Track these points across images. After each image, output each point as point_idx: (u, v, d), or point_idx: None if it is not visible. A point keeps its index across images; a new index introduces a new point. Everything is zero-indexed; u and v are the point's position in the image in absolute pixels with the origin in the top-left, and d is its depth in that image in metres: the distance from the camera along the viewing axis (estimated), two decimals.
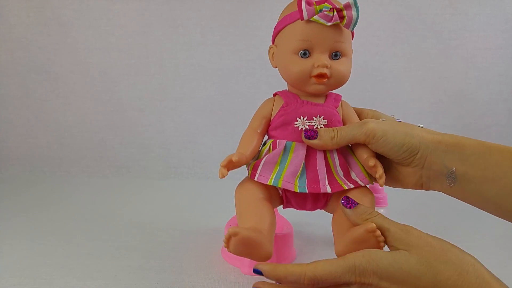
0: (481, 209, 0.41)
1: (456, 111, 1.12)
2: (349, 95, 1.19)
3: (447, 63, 1.09)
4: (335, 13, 0.42)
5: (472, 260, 0.34)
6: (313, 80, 0.44)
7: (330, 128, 0.44)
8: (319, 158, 0.45)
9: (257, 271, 0.38)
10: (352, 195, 0.44)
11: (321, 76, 0.44)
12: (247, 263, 0.55)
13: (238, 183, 0.48)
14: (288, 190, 0.45)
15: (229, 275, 0.55)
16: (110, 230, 0.72)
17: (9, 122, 1.11)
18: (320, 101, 0.47)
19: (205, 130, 1.11)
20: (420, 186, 0.44)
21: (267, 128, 0.48)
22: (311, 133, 0.43)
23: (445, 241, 0.36)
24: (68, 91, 1.10)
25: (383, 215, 0.38)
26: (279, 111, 0.46)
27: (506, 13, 1.07)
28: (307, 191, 0.43)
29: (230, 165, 0.43)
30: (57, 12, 1.06)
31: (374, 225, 0.36)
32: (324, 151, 0.45)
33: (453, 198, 0.43)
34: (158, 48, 1.09)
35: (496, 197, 0.38)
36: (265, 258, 0.40)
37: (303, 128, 0.45)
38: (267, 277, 0.38)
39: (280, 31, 0.47)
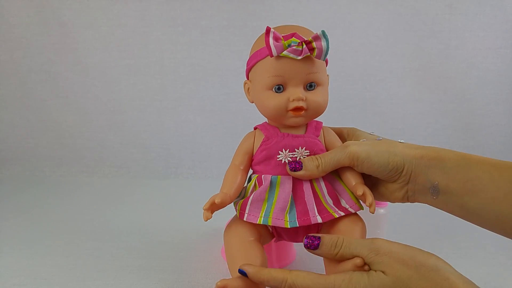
0: (466, 220, 0.42)
1: (456, 111, 1.12)
2: (349, 95, 1.20)
3: (447, 63, 1.09)
4: (304, 46, 0.42)
5: (446, 273, 0.33)
6: (290, 113, 0.44)
7: (313, 157, 0.44)
8: (306, 188, 0.44)
9: (242, 272, 0.39)
10: (343, 224, 0.44)
11: (297, 109, 0.43)
12: None
13: (225, 224, 0.48)
14: (280, 231, 0.46)
15: (229, 275, 0.55)
16: (110, 230, 0.72)
17: (9, 122, 1.11)
18: (301, 132, 0.47)
19: (205, 130, 1.11)
20: (406, 199, 0.45)
21: (250, 163, 0.48)
22: (296, 165, 0.43)
23: (419, 251, 0.35)
24: (68, 91, 1.10)
25: (349, 241, 0.37)
26: (261, 145, 0.46)
27: (506, 13, 1.07)
28: (298, 225, 0.42)
29: (214, 207, 0.42)
30: (57, 12, 1.06)
31: (361, 260, 0.36)
32: (311, 181, 0.45)
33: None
34: (158, 48, 1.09)
35: (476, 209, 0.39)
36: None
37: (287, 161, 0.44)
38: (250, 278, 0.38)
39: (252, 67, 0.47)
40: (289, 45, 0.41)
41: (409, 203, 0.46)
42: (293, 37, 0.42)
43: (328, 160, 0.43)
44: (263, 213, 0.43)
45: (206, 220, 0.41)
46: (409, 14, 1.08)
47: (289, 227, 0.42)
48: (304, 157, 0.45)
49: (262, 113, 0.47)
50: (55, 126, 1.11)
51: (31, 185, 1.01)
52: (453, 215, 0.43)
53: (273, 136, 0.46)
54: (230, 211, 0.67)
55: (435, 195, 0.42)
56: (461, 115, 1.12)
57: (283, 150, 0.45)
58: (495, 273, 0.56)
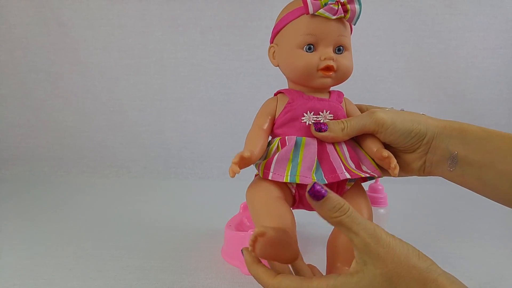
0: (479, 193, 0.42)
1: (456, 111, 1.12)
2: (349, 95, 1.19)
3: (447, 63, 1.09)
4: (340, 6, 0.43)
5: (435, 275, 0.33)
6: (320, 73, 0.44)
7: (339, 120, 0.44)
8: (330, 150, 0.44)
9: (242, 253, 0.39)
10: (350, 194, 0.44)
11: (328, 69, 0.44)
12: None
13: (248, 184, 0.47)
14: (301, 188, 0.44)
15: (229, 275, 0.55)
16: (110, 230, 0.72)
17: (9, 122, 1.11)
18: (325, 96, 0.47)
19: (205, 130, 1.11)
20: (423, 171, 0.45)
21: (272, 126, 0.47)
22: (321, 126, 0.43)
23: (413, 252, 0.34)
24: (68, 91, 1.10)
25: (354, 213, 0.34)
26: (285, 107, 0.46)
27: (506, 13, 1.07)
28: (326, 182, 0.41)
29: (242, 162, 0.41)
30: (57, 12, 1.06)
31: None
32: (334, 145, 0.45)
33: (454, 195, 0.43)
34: (158, 48, 1.09)
35: (493, 180, 0.39)
36: (293, 259, 0.38)
37: (311, 123, 0.44)
38: (245, 263, 0.38)
39: (281, 28, 0.47)
40: (326, 4, 0.43)
41: (424, 176, 0.46)
42: None
43: (354, 124, 0.44)
44: (289, 172, 0.41)
45: (233, 176, 0.39)
46: (409, 14, 1.08)
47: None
48: (325, 121, 0.45)
49: (288, 75, 0.48)
50: (55, 126, 1.11)
51: (31, 185, 1.01)
52: (467, 188, 0.43)
53: (298, 98, 0.46)
54: (231, 211, 0.68)
55: (453, 167, 0.42)
56: (461, 115, 1.11)
57: (308, 112, 0.45)
58: (495, 273, 0.56)
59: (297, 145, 0.43)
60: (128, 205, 0.87)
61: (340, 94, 0.49)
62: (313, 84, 0.45)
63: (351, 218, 0.34)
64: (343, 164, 0.43)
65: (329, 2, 0.43)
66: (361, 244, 0.34)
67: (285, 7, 0.49)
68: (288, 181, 0.41)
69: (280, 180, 0.41)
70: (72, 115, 1.11)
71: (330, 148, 0.44)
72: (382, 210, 0.61)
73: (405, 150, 0.45)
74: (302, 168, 0.42)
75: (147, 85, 1.10)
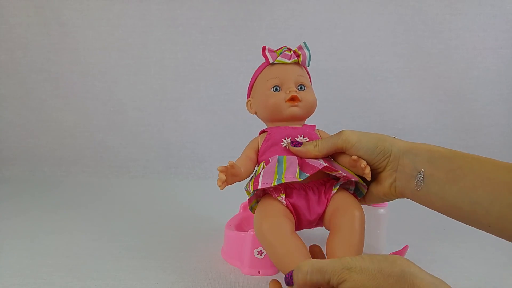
0: (444, 213, 0.44)
1: (456, 111, 1.12)
2: (350, 95, 1.19)
3: (447, 63, 1.10)
4: (292, 53, 0.54)
5: (411, 279, 0.33)
6: (288, 104, 0.52)
7: (312, 141, 0.50)
8: (309, 162, 0.49)
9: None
10: (337, 197, 0.48)
11: (293, 99, 0.51)
12: (247, 263, 0.55)
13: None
14: (290, 197, 0.48)
15: (229, 275, 0.55)
16: (110, 230, 0.72)
17: (9, 122, 1.11)
18: (299, 126, 0.54)
19: (205, 130, 1.11)
20: (394, 190, 0.47)
21: (257, 158, 0.53)
22: (297, 143, 0.50)
23: (384, 262, 0.35)
24: (68, 91, 1.10)
25: (318, 264, 0.36)
26: (265, 138, 0.53)
27: (506, 13, 1.07)
28: (308, 175, 0.46)
29: (228, 171, 0.46)
30: (57, 12, 1.06)
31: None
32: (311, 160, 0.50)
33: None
34: (158, 48, 1.09)
35: (455, 197, 0.41)
36: None
37: (288, 142, 0.51)
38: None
39: (253, 83, 0.57)
40: (281, 53, 0.54)
41: (396, 198, 0.48)
42: (283, 47, 0.55)
43: (324, 142, 0.49)
44: (276, 178, 0.45)
45: (222, 185, 0.45)
46: (409, 14, 1.08)
47: (300, 179, 0.45)
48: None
49: (263, 116, 0.55)
50: (55, 126, 1.11)
51: (31, 185, 1.01)
52: (432, 208, 0.44)
53: (276, 130, 0.53)
54: (231, 211, 0.68)
55: (419, 185, 0.44)
56: (461, 115, 1.12)
57: (286, 138, 0.51)
58: (495, 273, 0.56)
59: (279, 161, 0.48)
60: (128, 205, 0.87)
61: (312, 126, 0.56)
62: (284, 114, 0.52)
63: (319, 263, 0.36)
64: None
65: (283, 51, 0.54)
66: (338, 277, 0.35)
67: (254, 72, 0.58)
68: (275, 183, 0.44)
69: (268, 185, 0.45)
70: (72, 115, 1.11)
71: (308, 160, 0.49)
72: (382, 210, 0.61)
73: (375, 168, 0.48)
74: (287, 173, 0.46)
75: (147, 85, 1.10)
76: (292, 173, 0.46)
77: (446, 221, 0.77)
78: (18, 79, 1.09)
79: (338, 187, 0.49)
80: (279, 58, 0.53)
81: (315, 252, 0.47)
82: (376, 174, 0.49)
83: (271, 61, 0.54)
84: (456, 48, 1.09)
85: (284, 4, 1.07)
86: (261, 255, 0.55)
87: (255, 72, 0.57)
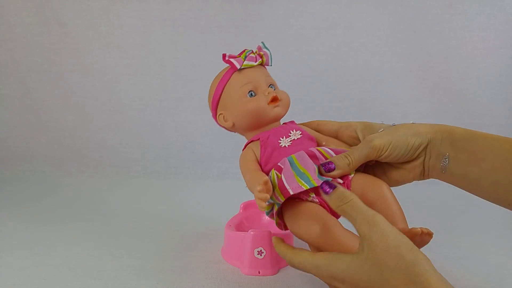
0: (466, 190, 0.46)
1: (456, 111, 1.11)
2: (350, 95, 1.20)
3: (447, 63, 1.09)
4: (256, 54, 0.53)
5: (421, 270, 0.34)
6: (271, 105, 0.51)
7: (342, 155, 0.47)
8: (318, 154, 0.48)
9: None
10: (359, 180, 0.47)
11: (275, 99, 0.51)
12: (247, 263, 0.55)
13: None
14: (318, 194, 0.46)
15: (229, 275, 0.55)
16: (110, 230, 0.72)
17: (9, 122, 1.11)
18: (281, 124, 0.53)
19: (205, 130, 1.11)
20: (423, 175, 0.49)
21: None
22: (330, 166, 0.46)
23: (406, 244, 0.36)
24: (68, 91, 1.10)
25: (355, 202, 0.39)
26: (261, 147, 0.50)
27: (506, 13, 1.07)
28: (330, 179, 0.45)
29: (266, 187, 0.43)
30: (57, 12, 1.06)
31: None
32: (318, 149, 0.48)
33: (454, 195, 0.46)
34: (158, 48, 1.09)
35: (478, 177, 0.43)
36: None
37: (287, 145, 0.48)
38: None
39: (220, 95, 0.55)
40: (245, 57, 0.52)
41: (423, 179, 0.50)
42: (245, 50, 0.53)
43: (357, 156, 0.46)
44: (303, 181, 0.44)
45: (265, 204, 0.42)
46: (409, 14, 1.08)
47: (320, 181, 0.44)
48: (299, 137, 0.49)
49: (245, 123, 0.52)
50: (55, 126, 1.11)
51: (31, 185, 1.01)
52: (456, 186, 0.47)
53: (265, 135, 0.51)
54: (231, 211, 0.68)
55: (444, 169, 0.46)
56: (461, 115, 1.11)
57: (281, 138, 0.49)
58: (495, 273, 0.56)
59: (291, 162, 0.46)
60: (128, 205, 0.87)
61: (292, 121, 0.55)
62: (269, 116, 0.51)
63: (350, 206, 0.38)
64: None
65: (247, 54, 0.52)
66: (358, 229, 0.38)
67: (212, 83, 0.57)
68: (308, 187, 0.43)
69: (301, 190, 0.43)
70: (72, 115, 1.11)
71: (316, 152, 0.48)
72: None
73: (406, 161, 0.48)
74: (310, 173, 0.44)
75: (147, 85, 1.10)
76: (314, 173, 0.44)
77: (446, 221, 0.77)
78: (18, 79, 1.09)
79: (354, 173, 0.48)
80: (246, 62, 0.52)
81: None
82: (405, 165, 0.49)
83: (238, 67, 0.52)
84: (456, 48, 1.09)
85: (284, 4, 1.07)
86: (261, 255, 0.55)
87: (218, 84, 0.55)
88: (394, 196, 0.46)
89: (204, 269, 0.57)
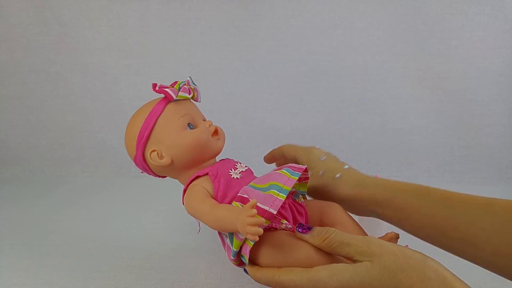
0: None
1: (456, 111, 1.11)
2: (350, 95, 1.20)
3: (447, 63, 1.09)
4: (188, 87, 0.49)
5: (434, 265, 0.35)
6: (215, 137, 0.49)
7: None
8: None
9: (245, 271, 0.43)
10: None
11: (217, 131, 0.49)
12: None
13: None
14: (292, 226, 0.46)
15: (229, 275, 0.55)
16: (110, 230, 0.72)
17: (9, 122, 1.11)
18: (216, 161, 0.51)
19: None
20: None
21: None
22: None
23: (407, 248, 0.37)
24: (68, 91, 1.10)
25: (340, 231, 0.39)
26: (213, 181, 0.45)
27: (506, 13, 1.07)
28: (297, 176, 0.44)
29: (254, 209, 0.37)
30: (57, 12, 1.06)
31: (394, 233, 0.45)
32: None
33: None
34: (158, 48, 1.09)
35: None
36: None
37: (239, 177, 0.47)
38: (251, 276, 0.42)
39: (151, 130, 0.48)
40: (179, 88, 0.48)
41: None
42: (176, 83, 0.49)
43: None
44: (277, 191, 0.41)
45: (261, 230, 0.36)
46: (409, 14, 1.08)
47: (296, 177, 0.43)
48: (246, 169, 0.49)
49: (186, 158, 0.47)
50: (55, 126, 1.11)
51: (31, 185, 1.01)
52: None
53: (213, 169, 0.47)
54: None
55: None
56: (461, 115, 1.11)
57: (229, 170, 0.47)
58: (495, 273, 0.56)
59: (253, 187, 0.43)
60: (128, 205, 0.87)
61: (227, 158, 0.53)
62: (213, 149, 0.48)
63: (338, 234, 0.39)
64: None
65: (181, 86, 0.48)
66: (355, 251, 0.37)
67: (136, 116, 0.50)
68: (285, 195, 0.40)
69: (282, 202, 0.40)
70: (72, 115, 1.11)
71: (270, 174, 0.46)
72: None
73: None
74: (277, 180, 0.43)
75: (147, 85, 1.10)
76: (285, 181, 0.42)
77: None
78: (18, 79, 1.09)
79: (302, 195, 0.50)
80: (181, 93, 0.47)
81: None
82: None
83: (174, 97, 0.47)
84: (456, 48, 1.09)
85: (284, 4, 1.07)
86: None
87: (148, 116, 0.48)
88: (350, 216, 0.47)
89: (204, 269, 0.57)
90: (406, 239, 0.46)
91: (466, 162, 1.10)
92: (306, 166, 0.47)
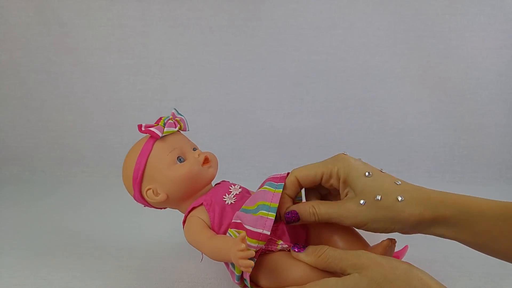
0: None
1: (456, 111, 1.12)
2: (350, 95, 1.19)
3: (447, 63, 1.09)
4: (174, 120, 0.50)
5: (420, 274, 0.36)
6: (205, 166, 0.49)
7: (309, 207, 0.44)
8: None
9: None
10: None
11: (207, 159, 0.49)
12: None
13: None
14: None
15: (229, 275, 0.55)
16: (110, 230, 0.72)
17: (9, 122, 1.11)
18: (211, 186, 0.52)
19: (205, 130, 1.11)
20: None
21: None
22: (293, 215, 0.45)
23: (395, 259, 0.38)
24: (68, 91, 1.10)
25: (333, 247, 0.41)
26: (209, 212, 0.47)
27: (506, 13, 1.07)
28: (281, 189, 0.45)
29: (245, 242, 0.38)
30: (57, 12, 1.06)
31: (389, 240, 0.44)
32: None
33: None
34: (158, 48, 1.09)
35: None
36: None
37: (233, 202, 0.47)
38: None
39: (144, 170, 0.49)
40: (164, 124, 0.49)
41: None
42: (161, 118, 0.50)
43: (324, 215, 0.43)
44: (265, 211, 0.42)
45: (253, 262, 0.38)
46: (409, 14, 1.08)
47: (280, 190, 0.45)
48: (240, 191, 0.49)
49: (180, 192, 0.49)
50: (55, 126, 1.11)
51: (31, 185, 1.01)
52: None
53: (207, 198, 0.48)
54: None
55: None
56: (461, 115, 1.11)
57: (223, 196, 0.48)
58: (495, 273, 0.56)
59: (244, 211, 0.44)
60: (128, 205, 0.87)
61: (223, 180, 0.54)
62: (205, 178, 0.49)
63: (331, 250, 0.40)
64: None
65: (166, 121, 0.49)
66: (347, 265, 0.38)
67: (128, 158, 0.51)
68: (274, 213, 0.42)
69: (272, 222, 0.42)
70: (72, 115, 1.11)
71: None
72: None
73: None
74: (263, 199, 0.44)
75: (147, 85, 1.10)
76: (271, 198, 0.44)
77: None
78: (18, 79, 1.09)
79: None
80: (167, 129, 0.49)
81: None
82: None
83: (160, 134, 0.48)
84: (456, 48, 1.09)
85: (284, 4, 1.07)
86: None
87: (139, 157, 0.49)
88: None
89: (204, 269, 0.57)
90: (407, 241, 0.46)
91: (466, 162, 1.10)
92: (286, 172, 0.47)
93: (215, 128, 1.11)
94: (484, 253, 0.41)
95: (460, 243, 0.41)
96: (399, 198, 0.40)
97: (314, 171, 0.45)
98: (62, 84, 1.10)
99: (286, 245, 0.45)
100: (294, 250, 0.43)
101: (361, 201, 0.41)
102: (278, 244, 0.45)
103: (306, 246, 0.43)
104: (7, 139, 1.12)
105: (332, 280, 0.38)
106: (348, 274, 0.38)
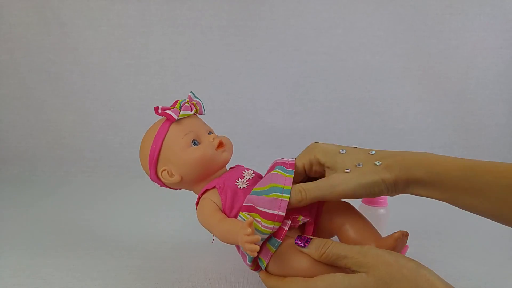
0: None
1: (456, 111, 1.12)
2: (350, 95, 1.19)
3: (447, 63, 1.09)
4: (190, 103, 0.51)
5: (427, 274, 0.36)
6: (219, 150, 0.49)
7: (297, 190, 0.44)
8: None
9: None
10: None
11: (221, 143, 0.50)
12: None
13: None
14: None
15: (229, 275, 0.55)
16: (110, 230, 0.72)
17: (9, 122, 1.11)
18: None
19: None
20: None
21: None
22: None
23: (403, 256, 0.38)
24: (68, 91, 1.10)
25: (338, 243, 0.40)
26: (221, 195, 0.47)
27: (506, 13, 1.07)
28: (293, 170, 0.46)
29: (253, 229, 0.39)
30: (57, 12, 1.06)
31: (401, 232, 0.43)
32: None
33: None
34: (158, 48, 1.09)
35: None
36: None
37: (245, 186, 0.48)
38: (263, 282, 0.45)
39: (159, 151, 0.50)
40: (180, 107, 0.50)
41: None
42: (178, 101, 0.51)
43: (313, 197, 0.44)
44: (279, 193, 0.43)
45: (258, 247, 0.38)
46: (409, 14, 1.08)
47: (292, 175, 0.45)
48: (253, 176, 0.49)
49: (193, 174, 0.50)
50: (55, 126, 1.11)
51: (31, 185, 1.01)
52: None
53: (220, 181, 0.49)
54: None
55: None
56: (461, 115, 1.12)
57: (237, 180, 0.48)
58: (495, 273, 0.56)
59: (256, 193, 0.45)
60: (128, 205, 0.87)
61: (237, 165, 0.54)
62: (219, 162, 0.49)
63: (334, 246, 0.40)
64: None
65: (182, 104, 0.50)
66: (352, 263, 0.38)
67: (145, 139, 0.52)
68: (288, 196, 0.43)
69: (287, 204, 0.42)
70: (72, 115, 1.11)
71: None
72: (382, 210, 0.61)
73: None
74: (276, 182, 0.44)
75: (147, 85, 1.10)
76: (283, 181, 0.44)
77: (446, 221, 0.77)
78: (18, 79, 1.09)
79: None
80: (182, 112, 0.49)
81: None
82: None
83: (176, 117, 0.49)
84: (456, 48, 1.09)
85: (284, 4, 1.07)
86: None
87: (155, 138, 0.50)
88: (361, 215, 0.48)
89: (204, 269, 0.57)
90: (407, 241, 0.46)
91: None
92: (294, 159, 0.47)
93: (215, 128, 1.11)
94: (456, 206, 0.42)
95: (458, 244, 0.41)
96: (377, 163, 0.43)
97: (296, 165, 0.47)
98: (62, 84, 1.10)
99: (307, 219, 0.46)
100: (298, 244, 0.43)
101: (346, 170, 0.44)
102: (299, 220, 0.45)
103: (310, 239, 0.42)
104: (7, 139, 1.12)
105: (339, 276, 0.38)
106: (354, 271, 0.38)
